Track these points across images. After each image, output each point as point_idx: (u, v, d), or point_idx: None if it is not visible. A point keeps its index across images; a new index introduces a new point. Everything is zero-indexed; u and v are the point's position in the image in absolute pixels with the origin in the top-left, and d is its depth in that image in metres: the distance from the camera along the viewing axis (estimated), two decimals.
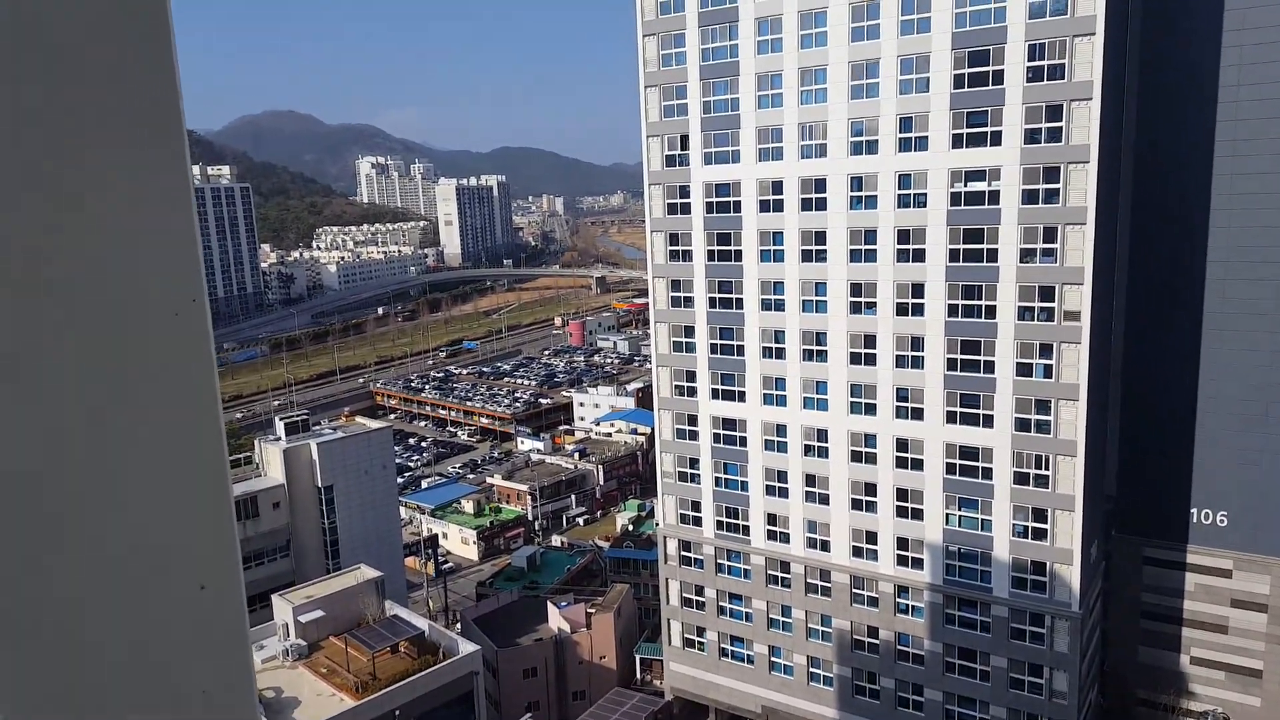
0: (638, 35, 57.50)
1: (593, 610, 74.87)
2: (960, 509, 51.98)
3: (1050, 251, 46.62)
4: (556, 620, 74.60)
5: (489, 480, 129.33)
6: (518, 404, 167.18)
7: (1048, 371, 47.88)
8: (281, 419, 69.54)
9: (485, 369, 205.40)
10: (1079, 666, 50.81)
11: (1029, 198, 46.64)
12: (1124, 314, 56.81)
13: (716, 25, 54.59)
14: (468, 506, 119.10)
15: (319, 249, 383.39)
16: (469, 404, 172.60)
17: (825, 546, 57.22)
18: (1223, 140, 51.90)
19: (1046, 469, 48.93)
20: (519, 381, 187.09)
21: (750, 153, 54.81)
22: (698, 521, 62.32)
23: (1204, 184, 52.82)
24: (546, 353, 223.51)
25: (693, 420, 60.91)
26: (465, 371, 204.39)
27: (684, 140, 57.13)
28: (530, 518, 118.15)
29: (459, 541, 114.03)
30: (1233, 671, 56.55)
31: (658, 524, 65.15)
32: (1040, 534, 49.91)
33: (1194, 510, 55.97)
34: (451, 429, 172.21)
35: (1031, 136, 45.98)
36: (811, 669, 59.53)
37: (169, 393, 2.37)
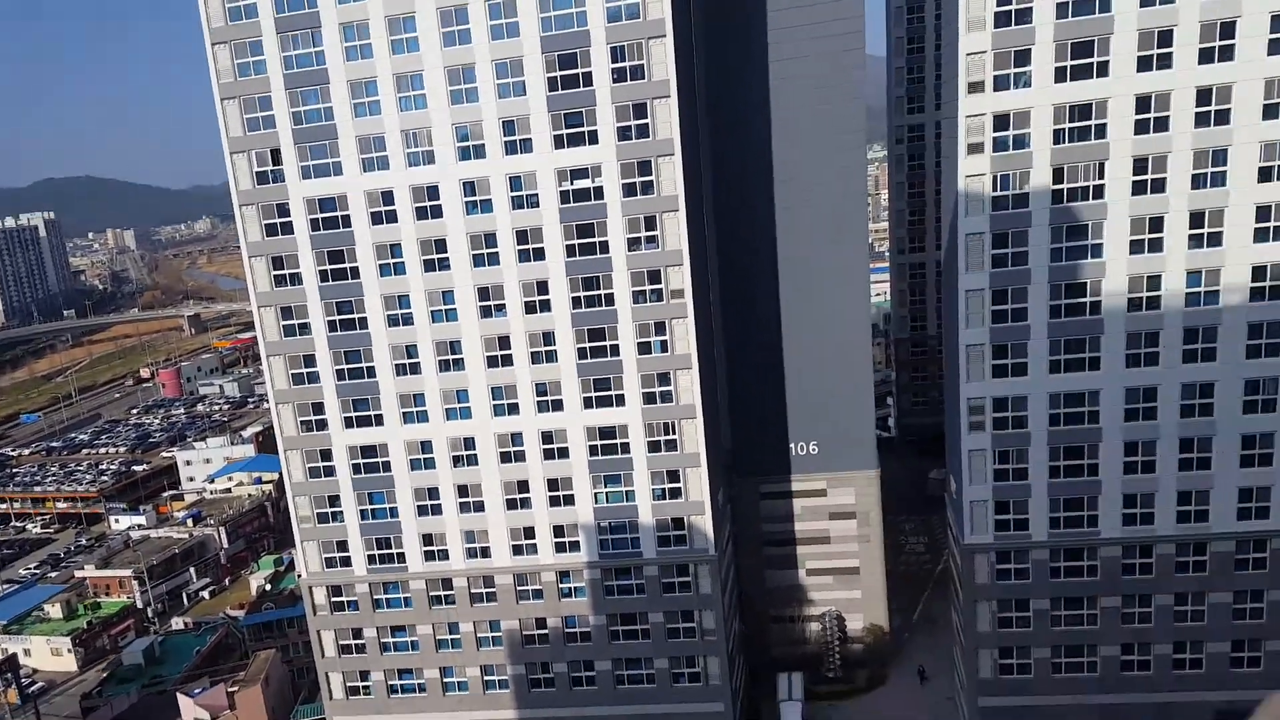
0: (206, 44, 52.59)
1: (235, 689, 68.99)
2: (606, 486, 55.17)
3: (653, 238, 51.13)
4: (191, 711, 67.36)
5: (78, 574, 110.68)
6: (105, 477, 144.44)
7: (664, 347, 52.51)
8: None
9: (55, 443, 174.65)
10: (722, 603, 56.64)
11: (629, 191, 50.67)
12: (718, 287, 64.55)
13: (297, 32, 51.74)
14: (54, 611, 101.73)
15: None
16: (38, 489, 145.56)
17: (486, 553, 57.25)
18: (778, 122, 60.67)
19: (674, 434, 53.72)
20: (103, 450, 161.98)
21: (353, 164, 52.76)
22: (346, 562, 58.90)
23: (765, 165, 61.44)
24: (135, 411, 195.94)
25: (327, 455, 57.31)
26: (28, 451, 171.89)
27: (275, 154, 53.39)
28: (141, 605, 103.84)
29: (48, 654, 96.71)
30: (838, 574, 67.23)
31: (300, 575, 60.29)
32: (675, 493, 54.69)
33: (793, 445, 65.57)
34: (17, 523, 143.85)
35: (624, 134, 49.92)
36: (486, 677, 59.42)
37: None
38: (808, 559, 67.19)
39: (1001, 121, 48.17)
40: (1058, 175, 48.08)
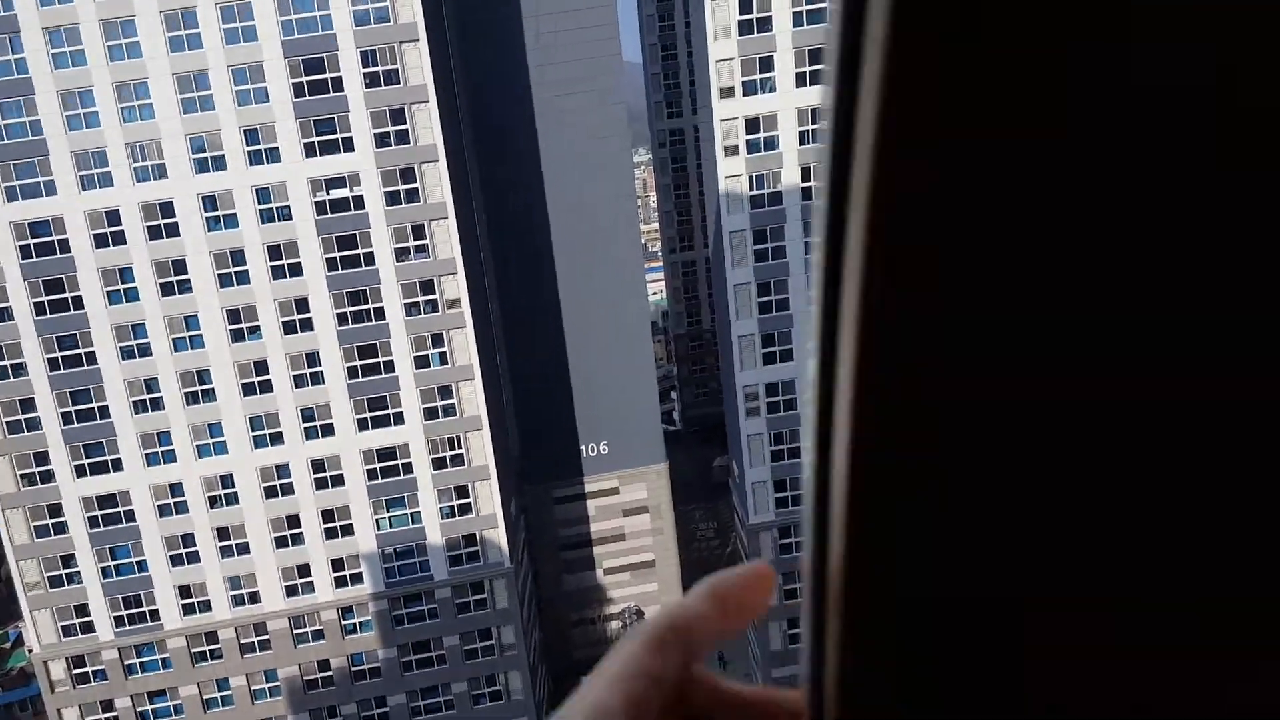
0: None
1: None
2: (389, 510, 52.68)
3: (423, 247, 49.52)
4: None
5: None
6: None
7: (443, 359, 50.91)
8: None
9: None
10: (520, 615, 55.76)
11: (392, 199, 48.70)
12: (496, 294, 63.49)
13: None
14: None
15: None
16: None
17: (255, 598, 52.95)
18: (542, 126, 60.98)
19: (460, 448, 52.20)
20: None
21: (69, 181, 47.18)
22: (89, 627, 52.37)
23: (534, 169, 61.50)
24: None
25: (56, 510, 50.73)
26: None
27: None
28: None
29: None
30: (634, 569, 68.23)
31: (31, 650, 53.40)
32: (465, 509, 53.14)
33: (583, 447, 65.77)
34: None
35: (382, 140, 48.00)
36: None
37: None
38: (604, 558, 67.95)
39: (753, 125, 51.16)
40: (805, 174, 51.85)
